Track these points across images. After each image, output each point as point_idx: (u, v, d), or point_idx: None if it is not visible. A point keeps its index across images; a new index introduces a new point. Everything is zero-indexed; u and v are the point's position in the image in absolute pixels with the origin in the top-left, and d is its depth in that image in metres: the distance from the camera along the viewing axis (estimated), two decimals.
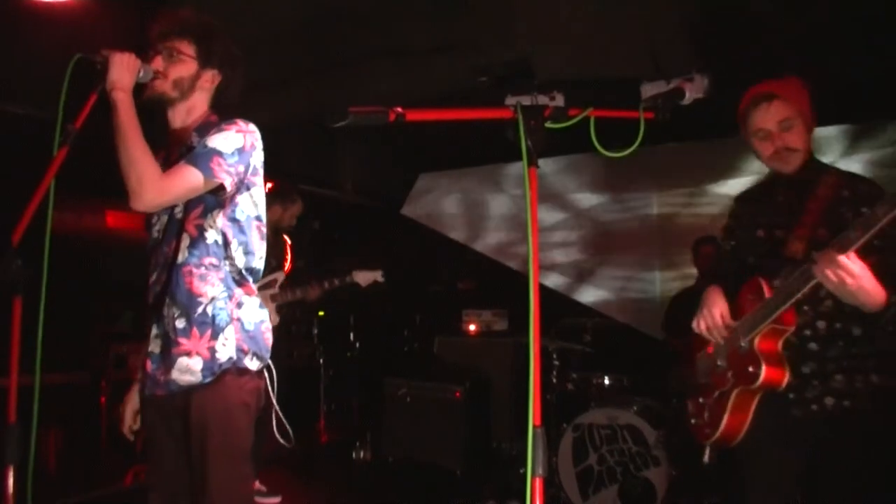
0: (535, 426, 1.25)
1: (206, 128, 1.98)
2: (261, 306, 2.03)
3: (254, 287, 2.04)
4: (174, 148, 1.99)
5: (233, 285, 1.97)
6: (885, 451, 2.02)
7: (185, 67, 1.97)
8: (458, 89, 4.45)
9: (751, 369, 2.00)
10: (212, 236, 1.94)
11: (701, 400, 2.25)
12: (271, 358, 2.04)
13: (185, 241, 1.93)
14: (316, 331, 6.28)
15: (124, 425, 2.11)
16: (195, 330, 1.90)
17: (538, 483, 1.25)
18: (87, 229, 5.33)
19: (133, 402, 2.10)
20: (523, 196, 1.34)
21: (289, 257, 4.49)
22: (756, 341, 2.02)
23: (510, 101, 1.44)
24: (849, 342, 2.01)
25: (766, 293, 2.03)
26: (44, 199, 1.67)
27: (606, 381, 4.35)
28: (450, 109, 1.53)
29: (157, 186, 1.78)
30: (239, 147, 1.91)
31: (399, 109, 1.39)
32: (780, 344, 2.02)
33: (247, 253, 2.00)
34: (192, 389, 1.90)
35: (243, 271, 1.99)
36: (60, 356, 4.32)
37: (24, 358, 1.62)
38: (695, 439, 2.29)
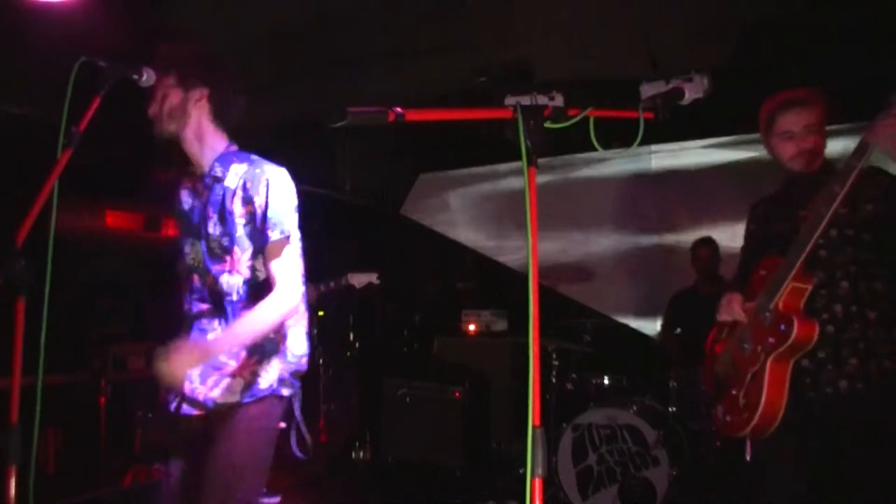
0: (534, 426, 1.26)
1: (227, 159, 2.03)
2: (307, 336, 2.09)
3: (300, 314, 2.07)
4: (198, 180, 2.06)
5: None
6: None
7: (173, 98, 2.01)
8: (457, 89, 4.45)
9: (783, 327, 2.07)
10: (261, 276, 2.00)
11: (733, 392, 2.27)
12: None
13: (238, 280, 1.99)
14: (315, 331, 6.26)
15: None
16: (244, 353, 1.97)
17: (538, 483, 1.25)
18: (86, 229, 5.31)
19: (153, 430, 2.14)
20: (523, 196, 1.34)
21: None
22: (780, 305, 2.10)
23: (510, 101, 1.43)
24: (864, 325, 2.11)
25: (780, 262, 2.11)
26: (47, 200, 1.67)
27: (606, 381, 4.36)
28: (450, 109, 1.54)
29: (291, 298, 1.91)
30: (295, 205, 2.03)
31: (399, 109, 1.38)
32: (802, 303, 2.10)
33: None
34: (229, 408, 1.96)
35: None
36: (60, 357, 4.31)
37: (24, 359, 1.62)
38: (728, 437, 2.30)
